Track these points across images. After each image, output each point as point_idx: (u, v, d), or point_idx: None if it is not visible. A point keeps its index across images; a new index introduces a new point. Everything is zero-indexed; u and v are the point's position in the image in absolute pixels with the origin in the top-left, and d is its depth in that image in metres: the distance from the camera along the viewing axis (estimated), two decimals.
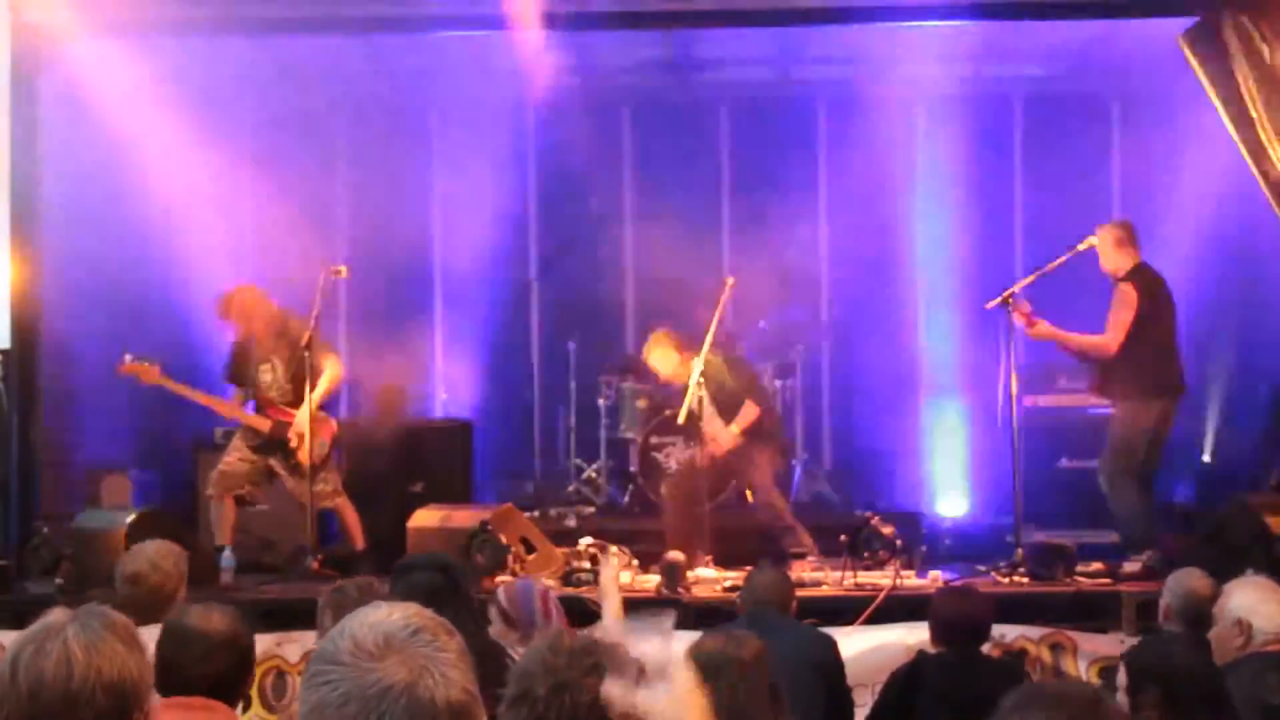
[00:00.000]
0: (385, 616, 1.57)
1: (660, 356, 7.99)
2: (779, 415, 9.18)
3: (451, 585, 4.09)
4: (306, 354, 7.40)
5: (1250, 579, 4.61)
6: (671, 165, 10.79)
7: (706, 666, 3.18)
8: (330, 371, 7.65)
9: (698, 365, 7.63)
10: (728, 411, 7.84)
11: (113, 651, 2.16)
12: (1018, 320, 7.23)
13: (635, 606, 5.03)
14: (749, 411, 7.81)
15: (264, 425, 7.60)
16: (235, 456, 7.66)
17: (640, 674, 2.08)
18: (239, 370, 7.79)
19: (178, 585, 4.70)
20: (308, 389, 7.42)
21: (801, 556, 7.58)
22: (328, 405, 7.82)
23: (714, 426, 7.83)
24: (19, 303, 7.58)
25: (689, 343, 7.88)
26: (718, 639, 3.34)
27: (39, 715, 2.11)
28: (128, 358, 7.52)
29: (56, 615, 2.23)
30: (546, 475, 10.24)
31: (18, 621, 6.32)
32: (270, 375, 7.66)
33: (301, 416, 7.46)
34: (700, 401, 7.75)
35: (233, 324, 7.77)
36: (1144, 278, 7.34)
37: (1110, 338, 7.25)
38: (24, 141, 7.65)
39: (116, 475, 8.79)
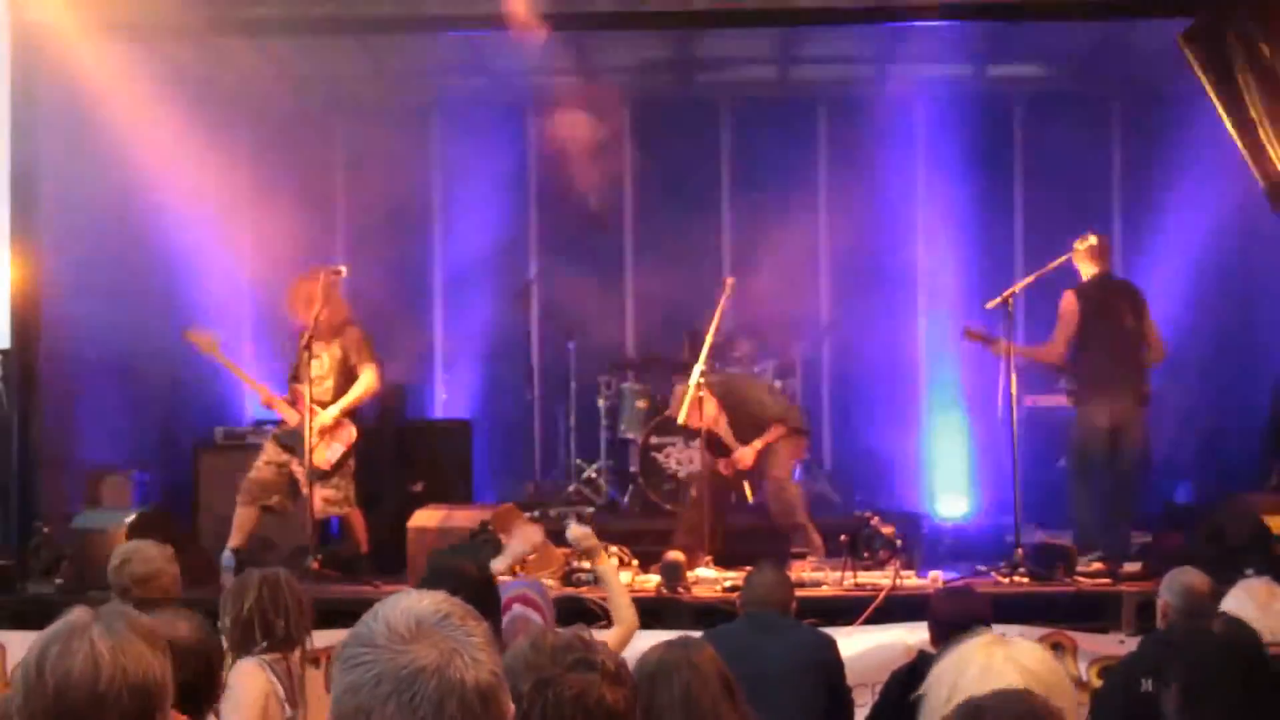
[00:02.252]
0: (416, 603, 1.62)
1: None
2: (801, 410, 9.08)
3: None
4: (337, 350, 7.47)
5: (1248, 581, 4.60)
6: (672, 165, 10.78)
7: (657, 670, 3.18)
8: (365, 380, 7.61)
9: (698, 366, 7.63)
10: (746, 429, 7.86)
11: (138, 652, 2.17)
12: (993, 352, 7.50)
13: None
14: (775, 432, 7.89)
15: (293, 417, 7.58)
16: (263, 460, 7.63)
17: None
18: (298, 364, 7.70)
19: (177, 581, 4.70)
20: (307, 390, 7.41)
21: (802, 556, 7.58)
22: (355, 413, 7.75)
23: (733, 444, 7.85)
24: (19, 303, 7.58)
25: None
26: (662, 645, 3.35)
27: (65, 715, 2.12)
28: (200, 327, 7.71)
29: (79, 614, 2.23)
30: (546, 475, 10.24)
31: (18, 621, 6.33)
32: (319, 368, 7.63)
33: (323, 417, 7.46)
34: (719, 423, 7.79)
35: (295, 313, 7.64)
36: (1089, 289, 7.61)
37: (1052, 346, 7.65)
38: (24, 141, 7.65)
39: (116, 475, 8.79)
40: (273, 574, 4.26)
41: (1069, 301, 7.59)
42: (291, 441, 7.57)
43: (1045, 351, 7.73)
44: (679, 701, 3.12)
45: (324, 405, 7.54)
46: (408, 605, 1.62)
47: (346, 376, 7.60)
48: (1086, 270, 7.69)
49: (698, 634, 3.56)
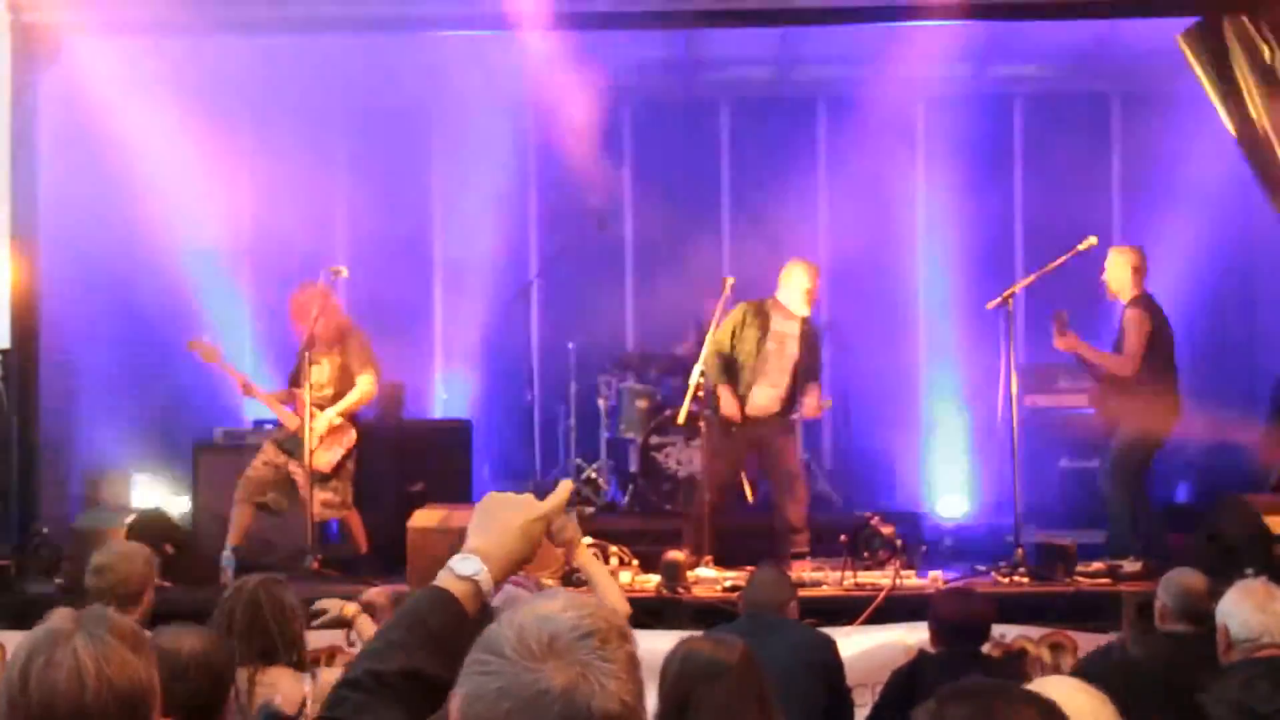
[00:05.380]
0: (558, 612, 1.54)
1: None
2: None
3: None
4: (337, 357, 7.48)
5: (1245, 582, 4.58)
6: (672, 164, 10.78)
7: (697, 670, 3.17)
8: (362, 387, 7.64)
9: (698, 367, 7.63)
10: (803, 378, 7.88)
11: (123, 660, 2.10)
12: (1055, 333, 7.42)
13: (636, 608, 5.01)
14: (818, 390, 7.92)
15: (292, 421, 7.60)
16: (260, 460, 7.67)
17: None
18: (299, 370, 7.74)
19: (144, 583, 4.66)
20: (306, 394, 7.41)
21: (802, 556, 7.58)
22: (353, 415, 7.77)
23: (804, 392, 7.85)
24: (19, 303, 7.58)
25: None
26: (704, 642, 3.32)
27: None
28: (204, 336, 7.73)
29: (61, 620, 2.15)
30: (546, 475, 10.23)
31: (18, 621, 6.33)
32: (320, 375, 7.65)
33: (319, 421, 7.48)
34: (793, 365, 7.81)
35: (295, 322, 7.70)
36: (1152, 305, 7.51)
37: (1128, 361, 7.41)
38: (24, 141, 7.65)
39: (116, 475, 8.79)
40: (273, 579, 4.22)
41: (1139, 318, 7.41)
42: (291, 445, 7.60)
43: (1119, 363, 7.48)
44: (716, 707, 3.11)
45: (323, 410, 7.57)
46: (546, 615, 1.54)
47: (347, 383, 7.63)
48: (1131, 287, 7.50)
49: (731, 636, 3.54)
